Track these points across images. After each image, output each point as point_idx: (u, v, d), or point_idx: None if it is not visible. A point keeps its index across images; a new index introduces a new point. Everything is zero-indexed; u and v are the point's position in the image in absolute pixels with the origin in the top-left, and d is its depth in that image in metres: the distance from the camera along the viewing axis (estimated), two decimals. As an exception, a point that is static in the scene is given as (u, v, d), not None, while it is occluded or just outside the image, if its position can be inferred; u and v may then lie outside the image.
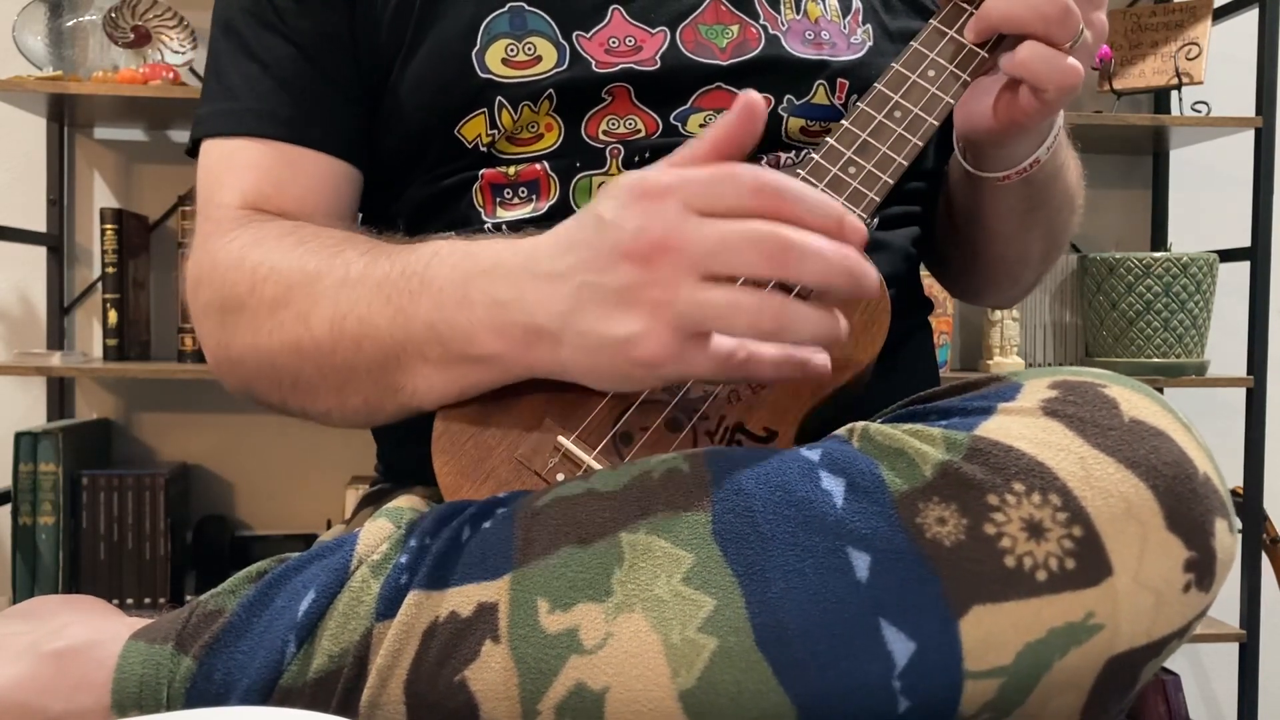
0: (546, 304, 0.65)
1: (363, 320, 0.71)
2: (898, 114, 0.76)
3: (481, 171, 0.83)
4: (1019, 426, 0.57)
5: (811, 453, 0.60)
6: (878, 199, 0.74)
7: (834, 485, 0.57)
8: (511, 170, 0.82)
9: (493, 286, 0.68)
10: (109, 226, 1.84)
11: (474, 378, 0.70)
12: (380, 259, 0.73)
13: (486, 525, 0.61)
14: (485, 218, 0.83)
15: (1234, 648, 1.90)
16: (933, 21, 0.78)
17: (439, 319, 0.69)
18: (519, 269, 0.67)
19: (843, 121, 0.76)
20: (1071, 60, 0.73)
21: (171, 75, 1.77)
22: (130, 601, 1.79)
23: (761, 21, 0.83)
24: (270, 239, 0.78)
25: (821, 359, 0.64)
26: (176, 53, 1.84)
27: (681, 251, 0.61)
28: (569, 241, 0.66)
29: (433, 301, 0.69)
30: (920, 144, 0.75)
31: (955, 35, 0.77)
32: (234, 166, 0.83)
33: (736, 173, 0.61)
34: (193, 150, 0.88)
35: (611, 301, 0.63)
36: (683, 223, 0.61)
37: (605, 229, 0.63)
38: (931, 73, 0.77)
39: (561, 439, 0.70)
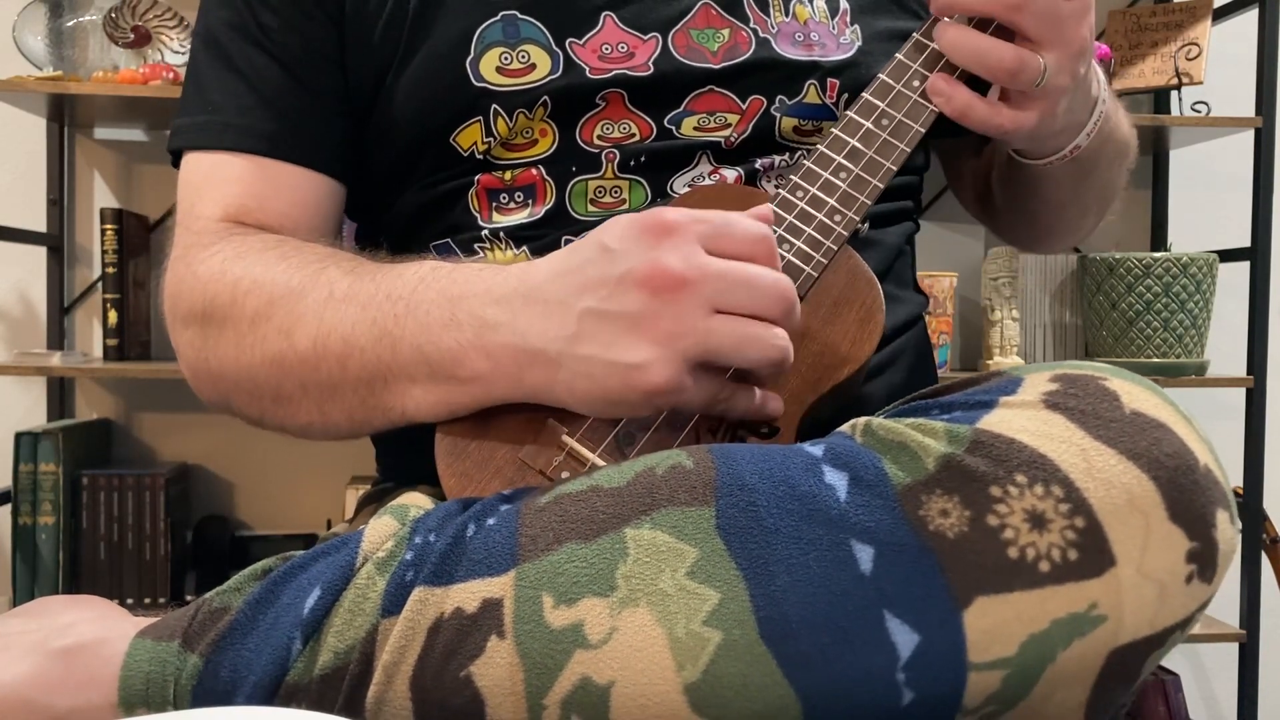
0: (544, 329, 0.66)
1: (347, 340, 0.72)
2: (884, 121, 0.80)
3: (477, 177, 0.83)
4: (1021, 419, 0.57)
5: (815, 448, 0.60)
6: (868, 202, 0.78)
7: (837, 479, 0.57)
8: (507, 175, 0.82)
9: (482, 309, 0.68)
10: (109, 226, 1.83)
11: (461, 398, 0.70)
12: (364, 279, 0.73)
13: (490, 522, 0.61)
14: (482, 223, 0.83)
15: (1234, 648, 1.90)
16: (915, 35, 0.82)
17: (425, 340, 0.69)
18: (511, 293, 0.68)
19: (833, 129, 0.80)
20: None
21: (171, 75, 1.76)
22: (130, 601, 1.79)
23: (751, 25, 0.85)
24: (253, 252, 0.78)
25: (776, 404, 0.70)
26: (177, 53, 1.83)
27: (699, 285, 0.64)
28: (566, 268, 0.67)
29: (418, 324, 0.70)
30: (907, 149, 0.79)
31: (936, 48, 0.81)
32: (215, 180, 0.83)
33: (742, 220, 0.67)
34: (175, 159, 0.88)
35: (620, 328, 0.65)
36: (699, 257, 0.65)
37: (614, 257, 0.65)
38: (915, 83, 0.81)
39: (566, 438, 0.70)
